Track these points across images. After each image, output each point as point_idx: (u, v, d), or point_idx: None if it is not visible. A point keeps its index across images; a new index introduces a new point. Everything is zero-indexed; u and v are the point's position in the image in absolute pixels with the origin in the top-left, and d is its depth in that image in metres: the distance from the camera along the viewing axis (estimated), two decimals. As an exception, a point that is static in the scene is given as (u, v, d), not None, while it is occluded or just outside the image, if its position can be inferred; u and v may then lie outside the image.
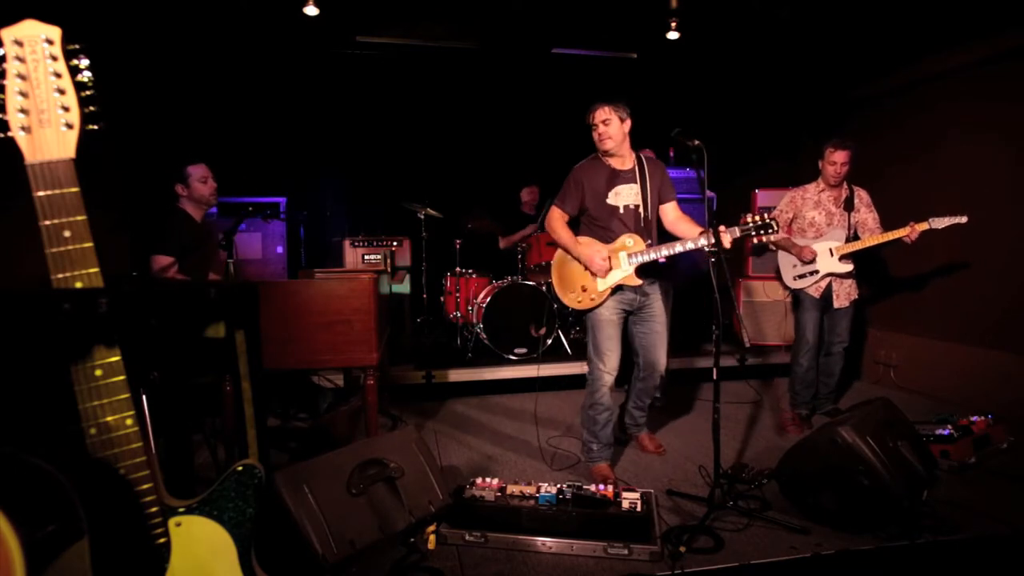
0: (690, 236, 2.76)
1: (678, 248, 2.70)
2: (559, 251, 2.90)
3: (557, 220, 2.88)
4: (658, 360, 2.91)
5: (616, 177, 2.82)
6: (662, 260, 2.79)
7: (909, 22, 4.13)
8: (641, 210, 2.82)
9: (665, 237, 2.90)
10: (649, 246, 2.77)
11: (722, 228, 2.60)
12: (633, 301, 2.86)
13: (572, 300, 2.83)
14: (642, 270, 2.80)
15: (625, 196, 2.82)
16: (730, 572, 2.12)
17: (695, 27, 4.52)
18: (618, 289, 2.80)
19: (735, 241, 2.66)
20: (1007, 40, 3.81)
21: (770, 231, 2.66)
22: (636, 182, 2.82)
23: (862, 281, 3.60)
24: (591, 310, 2.83)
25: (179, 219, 3.15)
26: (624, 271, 2.76)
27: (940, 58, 4.28)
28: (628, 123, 2.78)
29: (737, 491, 2.64)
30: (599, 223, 2.84)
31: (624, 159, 2.85)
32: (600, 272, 2.75)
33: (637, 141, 3.01)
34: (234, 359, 2.03)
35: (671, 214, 2.92)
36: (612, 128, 2.74)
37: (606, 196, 2.81)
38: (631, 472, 2.99)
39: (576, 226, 2.94)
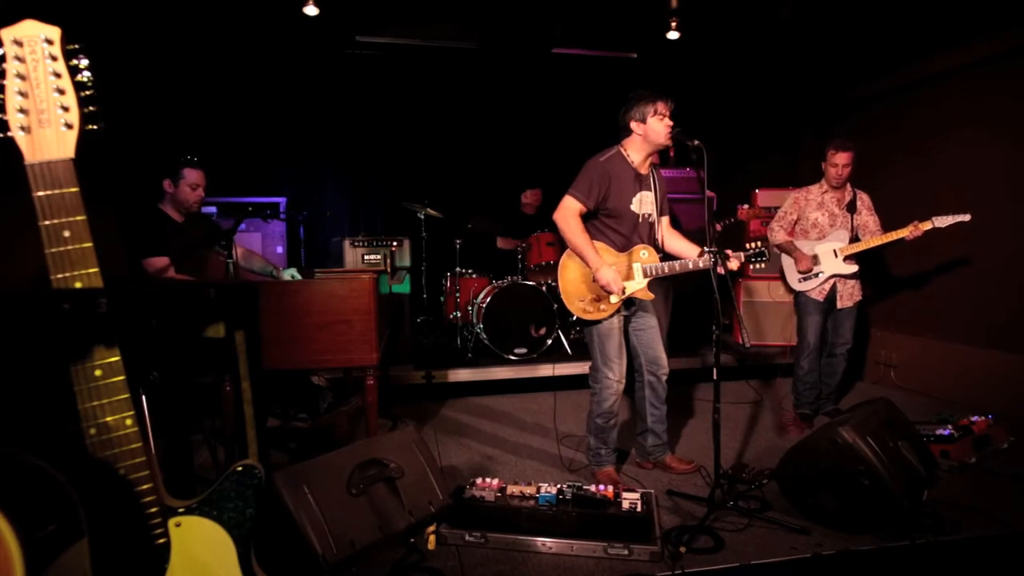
0: (686, 254, 2.72)
1: (690, 267, 2.63)
2: (568, 254, 2.69)
3: (573, 215, 2.60)
4: (659, 354, 2.78)
5: (640, 182, 2.67)
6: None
7: (909, 22, 4.14)
8: (654, 221, 2.73)
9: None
10: (662, 259, 2.67)
11: (728, 252, 2.59)
12: (631, 307, 2.78)
13: (578, 308, 2.66)
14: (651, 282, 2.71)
15: (645, 204, 2.69)
16: (730, 572, 2.12)
17: (695, 27, 4.52)
18: (629, 301, 2.70)
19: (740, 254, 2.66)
20: (1007, 40, 3.81)
21: (763, 259, 2.68)
22: (651, 189, 2.70)
23: (863, 281, 3.60)
24: (598, 321, 2.68)
25: (161, 221, 3.09)
26: (638, 284, 2.64)
27: (939, 58, 4.28)
28: None
29: (737, 491, 2.64)
30: (618, 229, 2.67)
31: (647, 162, 2.71)
32: (614, 291, 2.60)
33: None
34: (234, 359, 2.03)
35: (663, 229, 2.85)
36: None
37: (630, 201, 2.64)
38: (631, 472, 2.99)
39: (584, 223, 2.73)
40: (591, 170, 2.64)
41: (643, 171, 2.71)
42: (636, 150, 2.68)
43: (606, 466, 2.86)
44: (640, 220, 2.71)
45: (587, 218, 2.68)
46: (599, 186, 2.61)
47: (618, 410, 2.82)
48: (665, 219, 2.83)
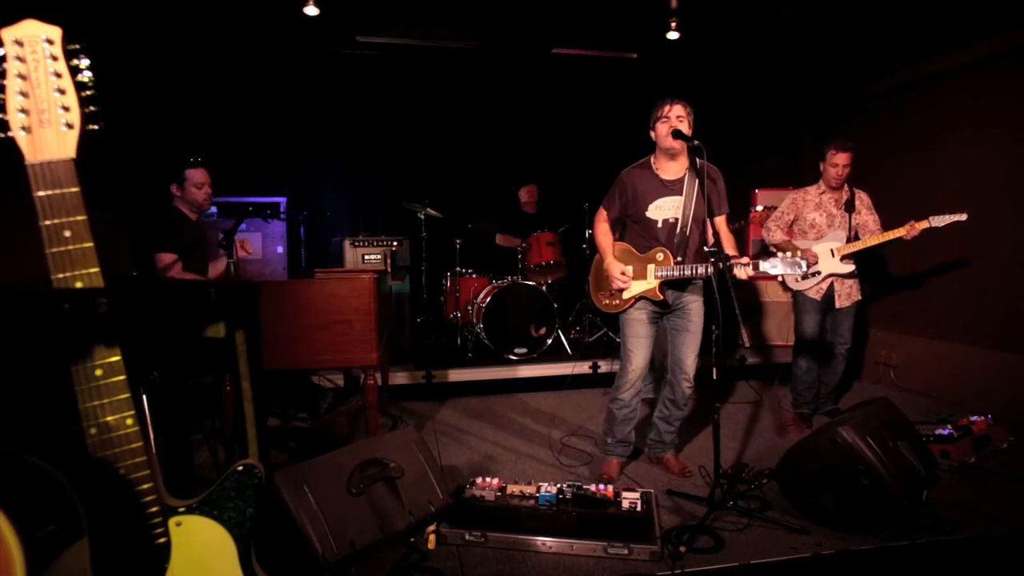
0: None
1: (700, 271, 2.63)
2: (599, 253, 2.96)
3: (599, 221, 2.93)
4: (684, 357, 2.83)
5: (661, 188, 2.74)
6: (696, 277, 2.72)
7: (909, 22, 4.14)
8: (679, 225, 2.73)
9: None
10: (678, 263, 2.71)
11: (745, 259, 2.53)
12: (663, 307, 2.83)
13: (601, 301, 2.94)
14: (674, 284, 2.77)
15: (665, 209, 2.74)
16: (730, 572, 2.12)
17: (695, 27, 4.52)
18: (644, 298, 2.80)
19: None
20: (1007, 40, 3.81)
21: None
22: (681, 194, 2.72)
23: (862, 281, 3.60)
24: (619, 313, 2.88)
25: (175, 218, 3.19)
26: (648, 284, 2.76)
27: (939, 58, 4.28)
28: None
29: (737, 491, 2.64)
30: (641, 233, 2.83)
31: (678, 167, 2.74)
32: (618, 285, 2.80)
33: (638, 141, 3.01)
34: (234, 359, 2.03)
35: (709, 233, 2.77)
36: (684, 128, 2.62)
37: (646, 208, 2.76)
38: (631, 472, 2.99)
39: (624, 226, 2.97)
40: (615, 182, 2.88)
41: (670, 177, 2.75)
42: (658, 156, 2.78)
43: (609, 457, 2.94)
44: (659, 225, 2.76)
45: (625, 222, 2.93)
46: (618, 196, 2.85)
47: (634, 405, 2.89)
48: (717, 219, 2.77)
